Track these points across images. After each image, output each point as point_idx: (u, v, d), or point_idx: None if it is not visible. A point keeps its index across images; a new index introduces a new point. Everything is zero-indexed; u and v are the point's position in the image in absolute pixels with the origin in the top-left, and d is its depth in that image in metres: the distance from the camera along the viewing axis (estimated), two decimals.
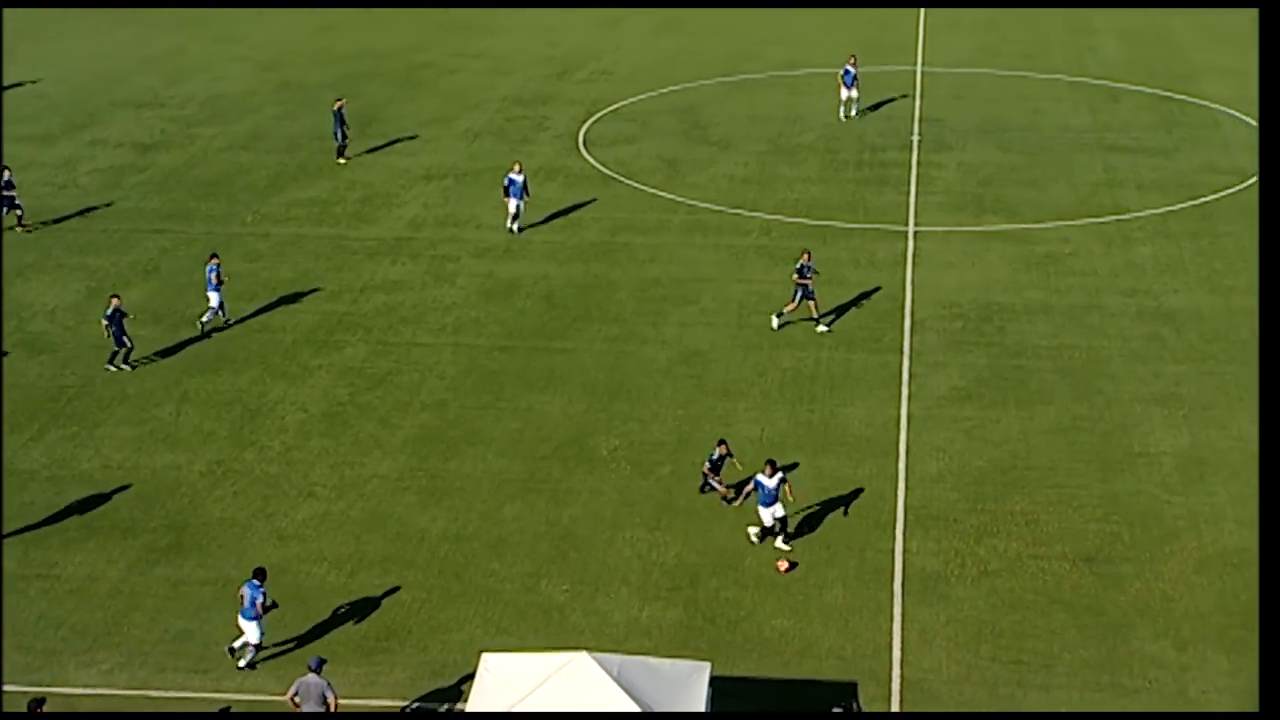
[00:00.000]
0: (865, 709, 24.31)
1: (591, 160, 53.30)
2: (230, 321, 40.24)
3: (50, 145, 54.15)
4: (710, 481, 31.83)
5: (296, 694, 24.44)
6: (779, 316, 39.68)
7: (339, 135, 52.92)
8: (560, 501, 32.20)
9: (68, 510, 31.98)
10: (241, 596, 27.01)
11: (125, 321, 37.99)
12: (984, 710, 25.70)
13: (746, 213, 47.91)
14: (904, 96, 60.05)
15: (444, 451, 34.30)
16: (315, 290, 42.69)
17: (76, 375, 37.60)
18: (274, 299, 42.00)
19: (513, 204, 45.90)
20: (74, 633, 28.03)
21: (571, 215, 47.98)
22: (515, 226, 46.26)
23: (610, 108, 59.37)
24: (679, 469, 33.32)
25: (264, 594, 26.93)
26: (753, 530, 30.43)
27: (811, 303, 39.55)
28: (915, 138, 54.96)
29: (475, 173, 52.15)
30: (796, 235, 46.00)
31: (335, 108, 53.26)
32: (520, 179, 45.74)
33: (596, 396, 36.67)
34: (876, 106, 58.68)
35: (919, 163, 52.27)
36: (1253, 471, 32.62)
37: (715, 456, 31.94)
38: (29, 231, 45.93)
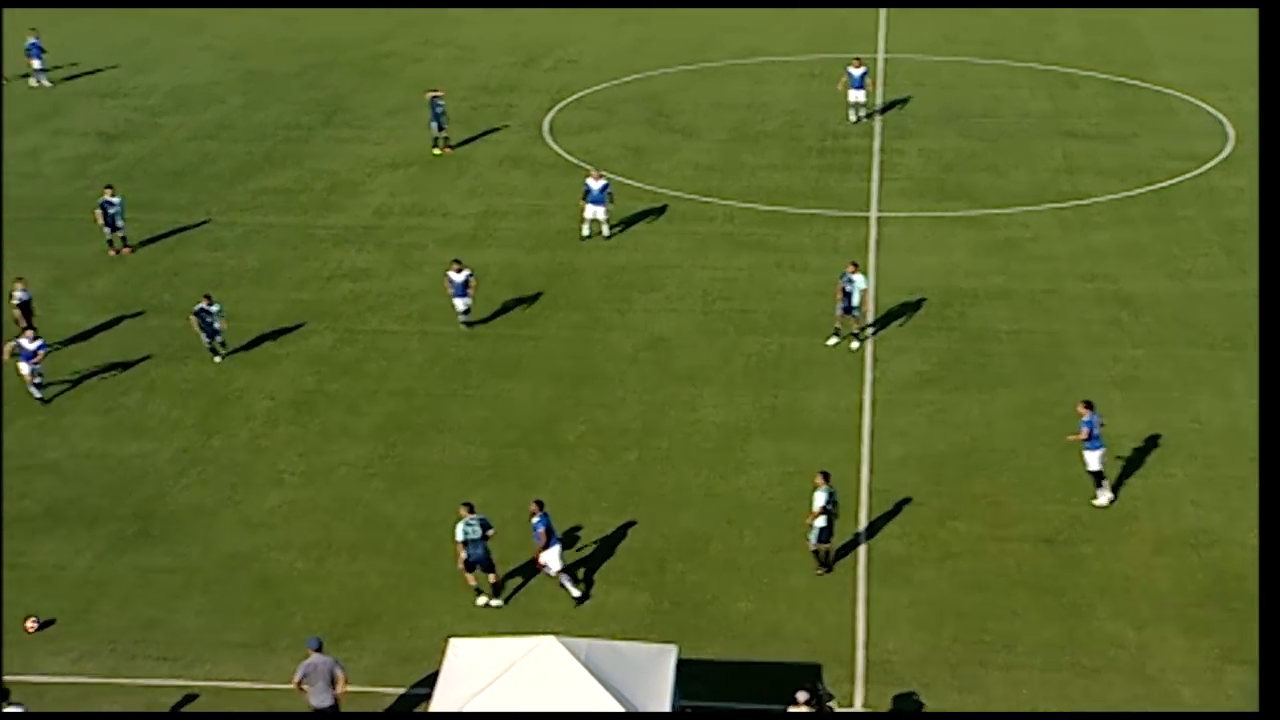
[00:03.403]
0: (830, 690, 24.65)
1: (557, 148, 53.46)
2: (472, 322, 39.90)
3: (15, 134, 53.95)
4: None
5: (304, 677, 24.52)
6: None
7: (437, 125, 52.25)
8: (528, 487, 32.40)
9: (36, 499, 32.05)
10: (538, 534, 28.32)
11: (211, 320, 37.75)
12: (948, 689, 26.10)
13: (711, 199, 48.18)
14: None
15: (411, 438, 34.48)
16: (282, 278, 42.78)
17: (44, 364, 37.51)
18: (240, 287, 42.06)
19: (590, 210, 44.56)
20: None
21: (537, 203, 48.15)
22: (597, 230, 44.90)
23: (575, 96, 59.52)
24: (645, 454, 33.59)
25: (547, 517, 28.53)
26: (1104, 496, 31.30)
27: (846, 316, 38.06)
28: (878, 124, 55.30)
29: (441, 161, 52.23)
30: (760, 222, 46.31)
31: (431, 98, 52.47)
32: (599, 185, 44.46)
33: (563, 383, 36.89)
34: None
35: (881, 149, 52.62)
36: (1209, 453, 33.14)
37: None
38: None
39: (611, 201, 45.08)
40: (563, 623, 27.69)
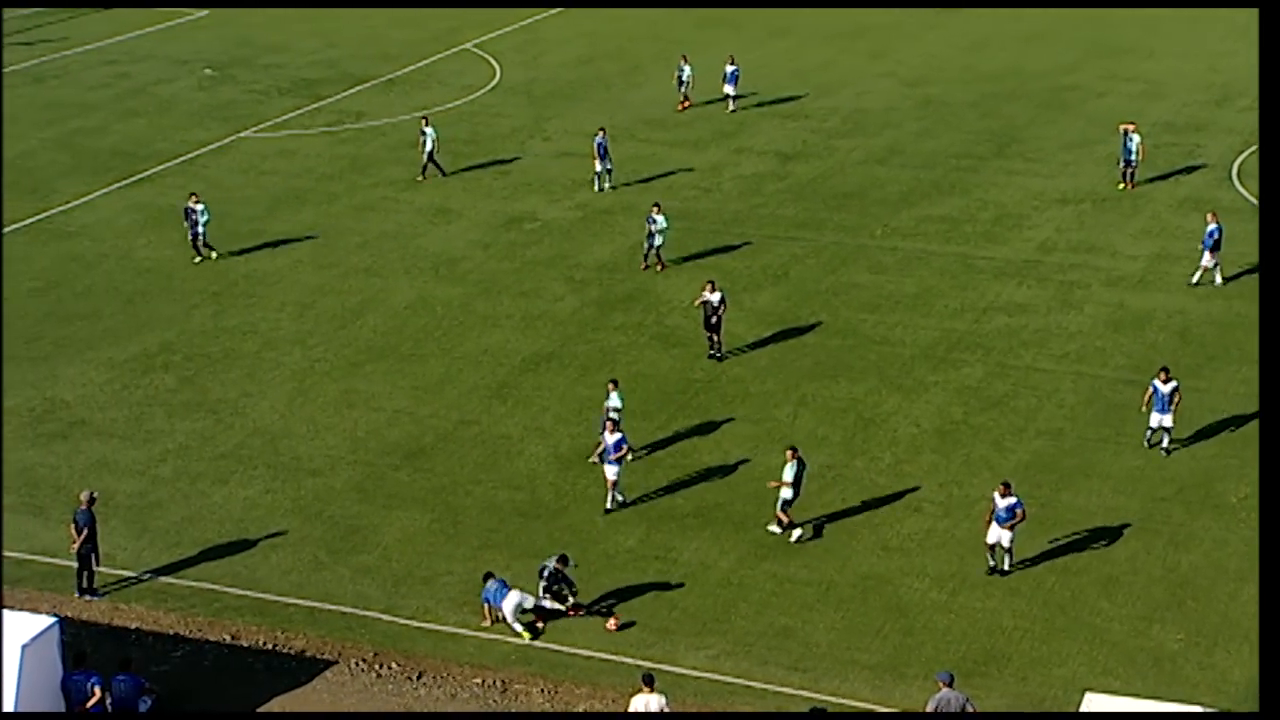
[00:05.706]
0: None
1: (1244, 193, 50.27)
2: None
3: (701, 150, 56.83)
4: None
5: (935, 708, 24.32)
6: None
7: (1125, 161, 50.61)
8: (1180, 546, 30.59)
9: (688, 498, 33.44)
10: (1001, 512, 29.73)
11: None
12: None
13: None
14: None
15: (1057, 481, 33.33)
16: (937, 307, 42.60)
17: (704, 371, 39.20)
18: (896, 312, 42.24)
19: (1206, 257, 42.60)
20: (686, 615, 29.28)
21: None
22: (1208, 279, 42.87)
23: None
24: None
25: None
26: None
27: None
28: None
29: (1114, 199, 50.38)
30: None
31: (1124, 131, 50.82)
32: (1209, 227, 42.21)
33: (1228, 441, 34.57)
34: None
35: None
36: None
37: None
38: None
39: (1218, 249, 42.41)
40: (1209, 694, 25.80)
